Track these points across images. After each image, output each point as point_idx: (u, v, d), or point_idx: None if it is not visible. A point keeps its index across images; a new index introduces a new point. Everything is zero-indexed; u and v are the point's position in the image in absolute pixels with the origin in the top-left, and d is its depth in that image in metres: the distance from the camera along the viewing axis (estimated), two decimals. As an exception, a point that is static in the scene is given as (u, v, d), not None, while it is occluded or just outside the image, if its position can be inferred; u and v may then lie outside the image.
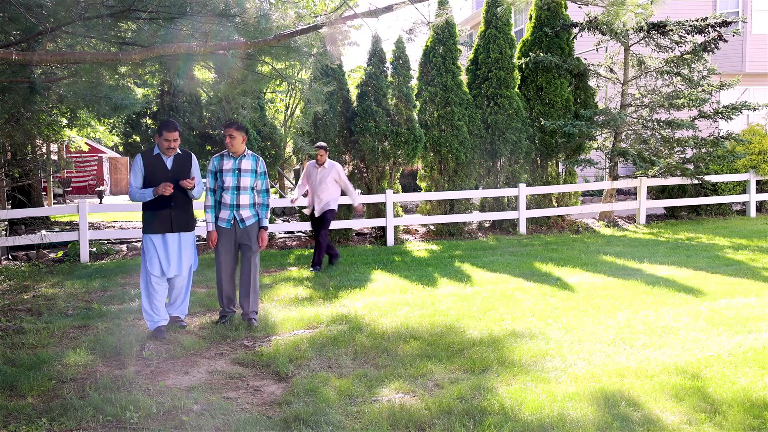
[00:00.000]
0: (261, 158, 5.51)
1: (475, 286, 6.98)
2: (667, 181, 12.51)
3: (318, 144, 8.07)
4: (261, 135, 10.99)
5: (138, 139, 10.78)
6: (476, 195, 11.74)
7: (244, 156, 5.39)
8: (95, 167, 31.66)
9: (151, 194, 5.12)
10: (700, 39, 12.24)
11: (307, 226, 10.89)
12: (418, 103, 11.57)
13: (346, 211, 11.29)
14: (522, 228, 11.49)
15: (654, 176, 12.54)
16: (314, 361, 4.50)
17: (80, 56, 4.91)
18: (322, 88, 6.21)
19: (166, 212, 5.21)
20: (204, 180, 5.55)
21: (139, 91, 9.98)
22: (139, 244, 10.95)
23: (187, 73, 6.23)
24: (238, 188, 5.34)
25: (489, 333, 5.06)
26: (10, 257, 9.82)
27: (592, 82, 13.04)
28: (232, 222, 5.39)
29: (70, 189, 26.36)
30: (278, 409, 3.67)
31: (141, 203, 5.27)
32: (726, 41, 11.98)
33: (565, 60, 11.87)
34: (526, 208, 11.70)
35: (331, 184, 8.09)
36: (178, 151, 5.31)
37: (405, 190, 16.19)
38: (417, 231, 12.08)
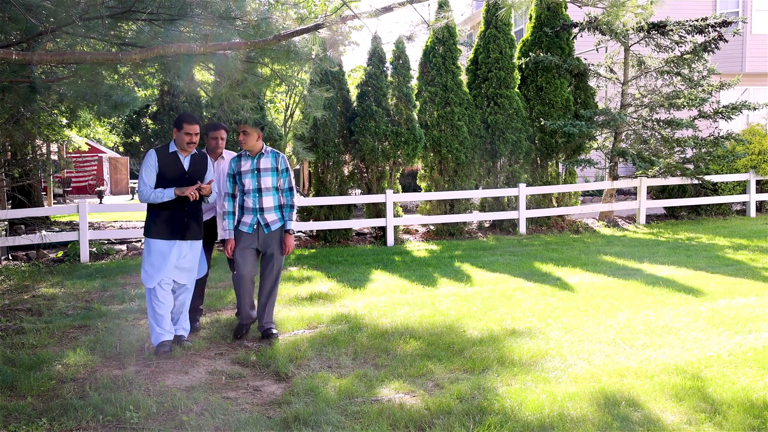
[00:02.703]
0: (282, 154, 5.04)
1: (475, 286, 6.98)
2: (667, 181, 12.51)
3: (214, 124, 5.53)
4: (261, 135, 10.99)
5: (138, 139, 10.78)
6: (476, 195, 11.74)
7: (263, 154, 4.94)
8: (95, 167, 31.67)
9: (172, 194, 4.64)
10: (700, 39, 12.25)
11: (307, 226, 10.88)
12: (418, 103, 11.58)
13: (346, 211, 11.30)
14: (522, 228, 11.49)
15: (654, 176, 12.55)
16: (314, 361, 4.50)
17: (80, 56, 4.91)
18: (322, 94, 6.20)
19: (180, 217, 4.73)
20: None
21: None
22: (139, 244, 10.95)
23: (187, 74, 6.22)
24: (259, 190, 4.92)
25: (489, 333, 5.06)
26: (10, 257, 9.83)
27: (592, 82, 13.05)
28: (255, 227, 4.96)
29: (70, 189, 26.38)
30: (278, 409, 3.67)
31: (146, 204, 4.80)
32: (726, 41, 11.98)
33: (565, 60, 11.87)
34: (526, 208, 11.70)
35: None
36: (195, 150, 4.88)
37: (405, 190, 16.19)
38: (417, 231, 12.08)
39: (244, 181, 4.93)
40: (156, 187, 4.71)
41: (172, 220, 4.72)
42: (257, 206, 4.93)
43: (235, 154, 5.37)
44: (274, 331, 5.07)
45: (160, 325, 4.72)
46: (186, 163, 4.80)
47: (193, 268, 4.91)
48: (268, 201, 4.94)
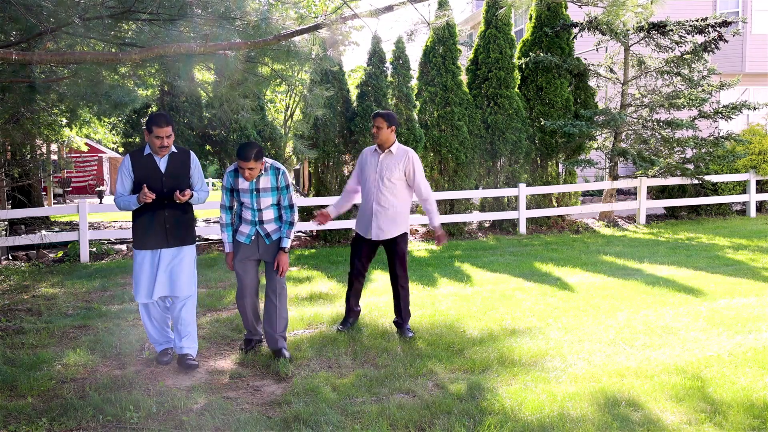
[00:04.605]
0: (282, 168, 4.62)
1: (475, 286, 6.98)
2: (667, 181, 12.51)
3: (375, 112, 5.08)
4: (261, 136, 10.99)
5: (138, 139, 10.79)
6: (476, 195, 11.74)
7: (262, 174, 4.52)
8: (95, 167, 31.67)
9: (137, 202, 4.31)
10: (700, 39, 12.25)
11: (307, 226, 10.86)
12: (418, 103, 11.58)
13: (346, 210, 11.27)
14: (522, 228, 11.49)
15: (654, 176, 12.55)
16: (314, 361, 4.50)
17: (80, 56, 4.92)
18: (322, 92, 6.19)
19: (160, 221, 4.38)
20: (208, 179, 5.07)
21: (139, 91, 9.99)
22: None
23: (187, 74, 6.22)
24: (259, 210, 4.60)
25: (489, 333, 5.06)
26: (10, 257, 9.83)
27: (592, 82, 13.05)
28: (254, 237, 4.63)
29: (70, 189, 26.37)
30: (278, 409, 3.67)
31: (131, 210, 4.45)
32: (726, 41, 11.98)
33: (565, 60, 11.87)
34: (526, 208, 11.70)
35: (399, 183, 5.06)
36: (173, 149, 4.46)
37: (405, 190, 16.17)
38: (417, 231, 12.08)
39: (243, 199, 4.61)
40: (136, 192, 4.37)
41: (153, 226, 4.39)
42: (256, 219, 4.62)
43: (410, 150, 5.11)
44: (287, 353, 4.59)
45: (159, 335, 4.59)
46: (163, 165, 4.42)
47: (187, 276, 4.48)
48: (268, 214, 4.63)
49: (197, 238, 11.27)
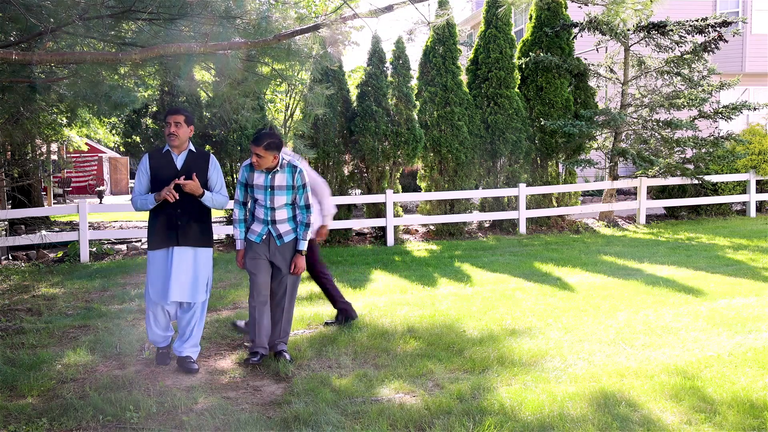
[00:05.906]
0: (300, 167, 4.50)
1: (475, 286, 6.98)
2: (667, 181, 12.51)
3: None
4: (261, 135, 11.00)
5: (138, 139, 10.79)
6: (476, 195, 11.74)
7: (278, 170, 4.41)
8: (95, 167, 31.65)
9: (153, 201, 4.26)
10: (700, 39, 12.24)
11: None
12: (418, 103, 11.57)
13: (346, 210, 11.29)
14: (522, 228, 11.49)
15: (654, 176, 12.55)
16: (314, 361, 4.50)
17: (80, 56, 4.91)
18: (323, 91, 6.18)
19: (172, 219, 4.28)
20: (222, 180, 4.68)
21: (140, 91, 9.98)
22: (139, 244, 10.96)
23: (187, 73, 6.21)
24: (272, 208, 4.47)
25: (489, 333, 5.06)
26: (10, 257, 9.83)
27: (592, 82, 13.04)
28: (265, 236, 4.50)
29: (70, 189, 26.36)
30: (278, 409, 3.67)
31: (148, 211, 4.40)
32: (726, 41, 11.98)
33: (565, 60, 11.87)
34: (526, 208, 11.69)
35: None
36: (192, 148, 4.41)
37: (405, 190, 16.18)
38: (417, 231, 12.08)
39: (257, 195, 4.49)
40: (153, 191, 4.32)
41: (165, 225, 4.30)
42: (269, 218, 4.49)
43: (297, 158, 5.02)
44: (287, 355, 4.52)
45: (159, 336, 4.49)
46: (179, 162, 4.35)
47: (201, 281, 4.37)
48: (282, 214, 4.49)
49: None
